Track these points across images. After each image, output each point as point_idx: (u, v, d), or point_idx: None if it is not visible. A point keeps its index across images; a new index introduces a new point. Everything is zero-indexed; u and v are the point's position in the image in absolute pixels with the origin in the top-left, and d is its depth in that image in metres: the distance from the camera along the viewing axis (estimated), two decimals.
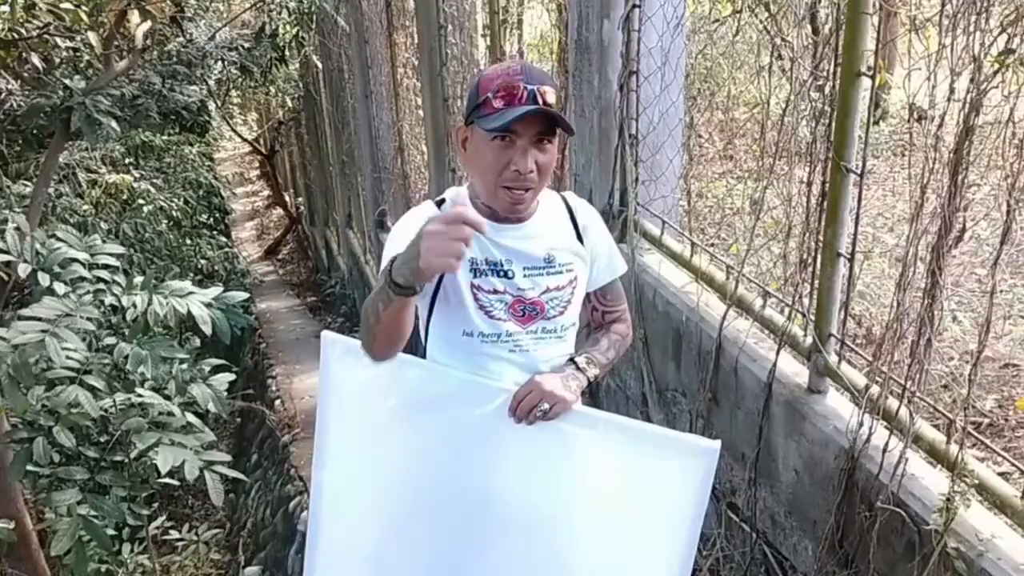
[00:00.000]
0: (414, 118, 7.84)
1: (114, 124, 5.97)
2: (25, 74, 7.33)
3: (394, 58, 8.17)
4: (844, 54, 2.44)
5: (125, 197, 8.72)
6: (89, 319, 3.89)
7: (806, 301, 2.84)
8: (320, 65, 12.25)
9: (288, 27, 10.26)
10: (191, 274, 10.18)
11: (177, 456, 3.95)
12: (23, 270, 3.89)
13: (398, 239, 1.85)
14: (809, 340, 2.79)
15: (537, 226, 1.95)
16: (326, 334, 2.11)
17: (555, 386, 1.90)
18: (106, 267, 4.28)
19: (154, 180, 9.09)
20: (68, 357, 3.67)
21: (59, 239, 4.17)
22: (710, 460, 1.90)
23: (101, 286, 4.19)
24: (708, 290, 3.37)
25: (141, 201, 8.52)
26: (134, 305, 3.94)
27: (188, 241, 10.08)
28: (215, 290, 4.25)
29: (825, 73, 2.64)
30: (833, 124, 2.56)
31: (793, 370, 2.89)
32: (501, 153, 1.79)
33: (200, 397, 4.19)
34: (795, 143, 2.83)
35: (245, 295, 4.31)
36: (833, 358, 2.72)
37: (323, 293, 12.99)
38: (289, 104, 16.41)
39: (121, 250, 4.38)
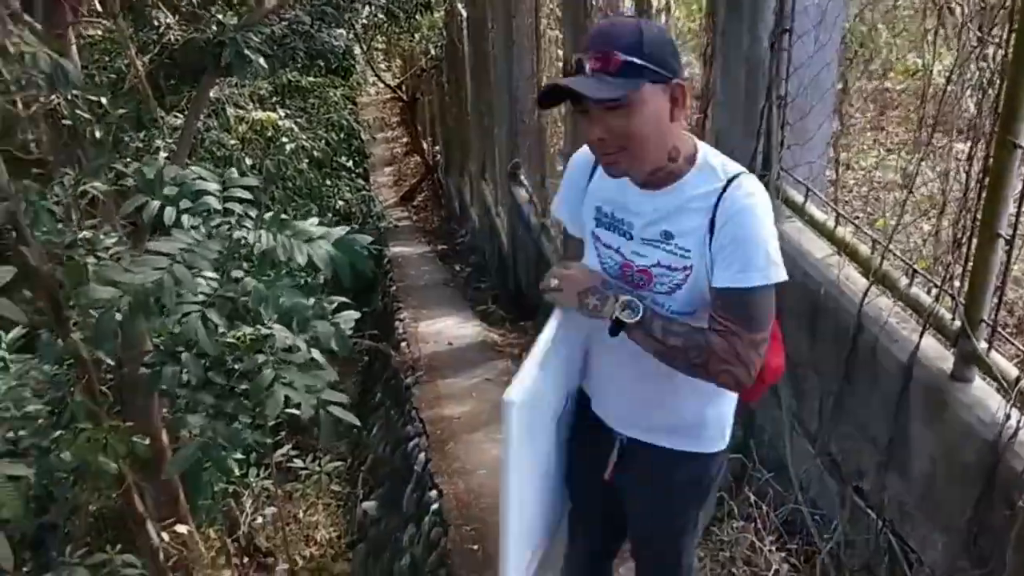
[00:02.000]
0: (555, 71, 7.75)
1: (262, 61, 6.08)
2: (183, 8, 7.59)
3: (538, 8, 8.07)
4: (1020, 17, 2.24)
5: (270, 134, 8.96)
6: (217, 252, 4.01)
7: (956, 283, 2.66)
8: (464, 13, 12.27)
9: None
10: (329, 214, 10.46)
11: (292, 397, 4.05)
12: (148, 211, 4.02)
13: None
14: (957, 324, 2.61)
15: (672, 200, 1.89)
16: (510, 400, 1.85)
17: (574, 279, 1.93)
18: (240, 200, 4.39)
19: (297, 119, 9.29)
20: (185, 293, 3.78)
21: (193, 171, 4.30)
22: (506, 411, 1.85)
23: (233, 219, 4.31)
24: (850, 264, 3.20)
25: (285, 139, 8.73)
26: (259, 240, 4.03)
27: (328, 182, 10.31)
28: (340, 230, 4.30)
29: (996, 39, 2.44)
30: (1002, 95, 2.37)
31: (937, 354, 2.72)
32: (582, 124, 1.81)
33: (323, 335, 4.27)
34: (958, 114, 2.63)
35: (369, 239, 4.35)
36: (982, 345, 2.54)
37: (454, 242, 13.13)
38: (432, 52, 16.54)
39: (255, 182, 4.47)
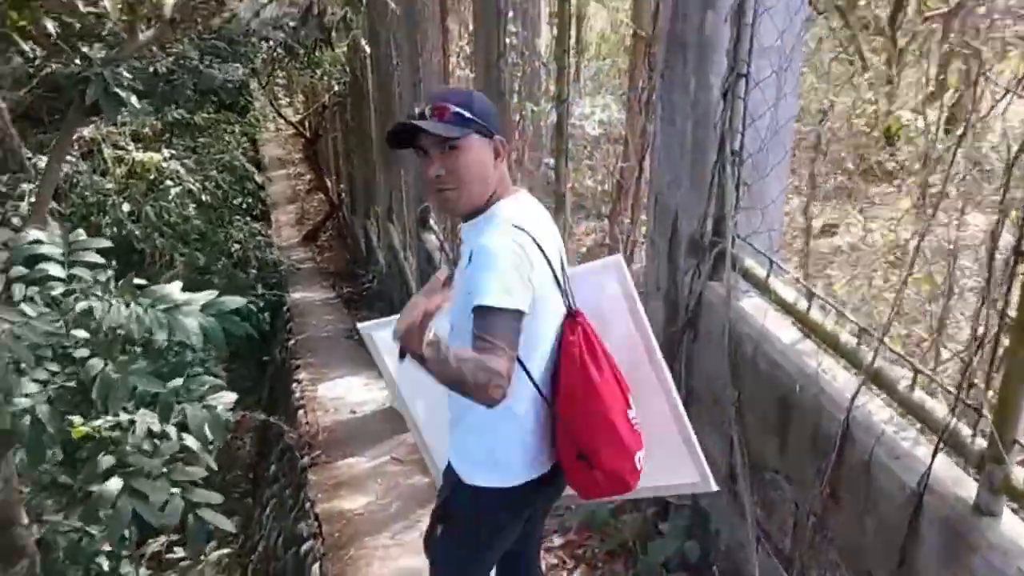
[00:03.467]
0: None
1: (135, 100, 5.33)
2: (46, 40, 6.80)
3: (446, 45, 7.50)
4: None
5: (152, 177, 8.18)
6: (53, 330, 3.30)
7: (980, 390, 2.15)
8: (368, 50, 11.66)
9: (336, 7, 9.66)
10: (223, 259, 9.66)
11: (142, 512, 3.36)
12: None
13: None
14: (981, 443, 2.09)
15: (469, 233, 2.23)
16: (363, 327, 2.69)
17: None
18: (91, 265, 3.68)
19: (185, 160, 8.51)
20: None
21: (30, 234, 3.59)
22: (619, 269, 2.44)
23: (79, 287, 3.60)
24: (831, 354, 2.68)
25: (169, 182, 7.95)
26: (108, 313, 3.33)
27: (220, 226, 9.53)
28: (206, 295, 3.63)
29: None
30: None
31: (953, 478, 2.19)
32: (423, 164, 2.16)
33: (193, 421, 3.57)
34: (973, 180, 2.13)
35: (242, 300, 3.70)
36: (1018, 472, 2.02)
37: (360, 286, 12.41)
38: (335, 88, 15.87)
39: (106, 244, 3.78)
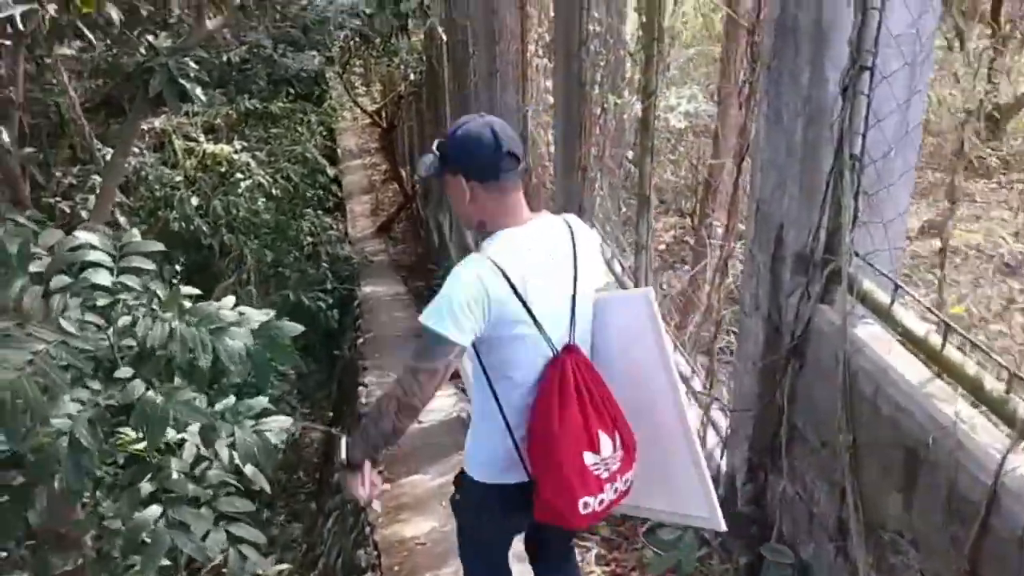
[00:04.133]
0: (542, 105, 6.83)
1: (199, 91, 5.09)
2: (112, 31, 6.64)
3: (525, 33, 7.14)
4: None
5: (224, 169, 8.00)
6: (94, 348, 3.05)
7: None
8: (445, 37, 11.38)
9: None
10: (294, 253, 9.48)
11: (181, 545, 3.09)
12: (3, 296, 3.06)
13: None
14: None
15: None
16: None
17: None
18: (140, 272, 3.42)
19: (257, 153, 8.32)
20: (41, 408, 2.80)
21: (78, 237, 3.34)
22: (647, 303, 2.46)
23: (128, 298, 3.33)
24: (971, 400, 2.25)
25: (239, 175, 7.75)
26: (150, 332, 3.06)
27: (292, 219, 9.35)
28: (260, 315, 3.33)
29: None
30: None
31: None
32: None
33: (242, 448, 3.29)
34: None
35: (299, 328, 3.39)
36: None
37: (432, 281, 12.16)
38: (411, 77, 15.67)
39: (159, 247, 3.51)
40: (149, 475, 3.44)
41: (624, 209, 5.29)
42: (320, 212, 9.60)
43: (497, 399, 2.41)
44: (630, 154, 5.22)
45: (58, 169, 7.11)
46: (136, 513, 3.20)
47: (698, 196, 6.40)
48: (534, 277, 2.30)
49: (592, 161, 5.22)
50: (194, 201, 7.15)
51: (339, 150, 21.97)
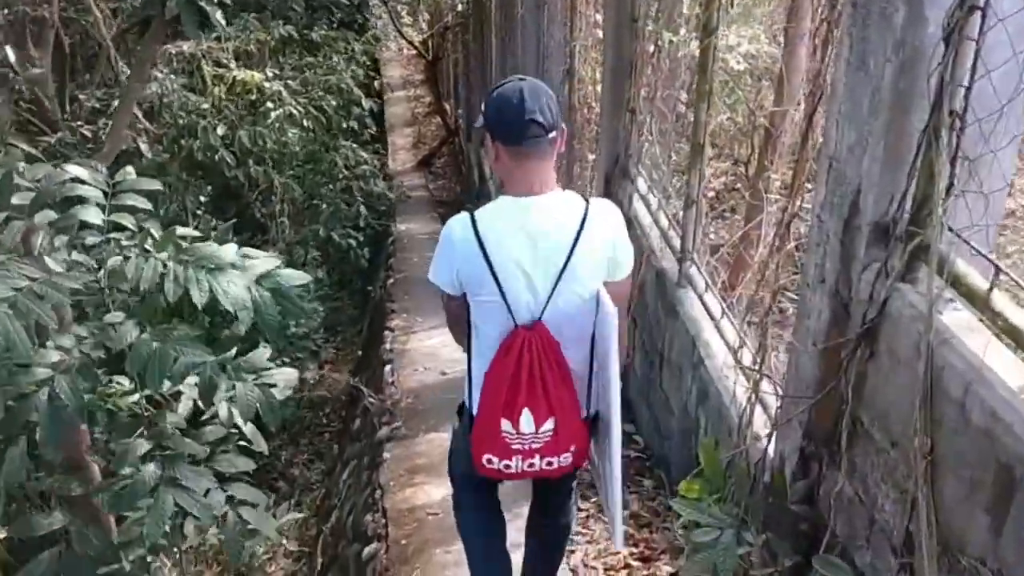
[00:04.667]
0: (591, 40, 6.37)
1: (219, 15, 4.72)
2: None
3: None
4: None
5: (254, 98, 7.65)
6: (82, 287, 2.74)
7: None
8: None
9: None
10: (328, 185, 9.15)
11: (185, 505, 2.82)
12: None
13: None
14: None
15: None
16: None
17: None
18: (135, 211, 3.11)
19: (289, 81, 7.95)
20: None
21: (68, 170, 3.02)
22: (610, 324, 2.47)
23: (122, 238, 3.03)
24: None
25: (270, 104, 7.40)
26: (143, 271, 2.74)
27: (326, 152, 9.00)
28: (266, 260, 3.01)
29: None
30: None
31: None
32: None
33: (241, 402, 3.00)
34: None
35: (306, 279, 3.08)
36: None
37: None
38: (458, 7, 15.20)
39: (156, 186, 3.19)
40: (141, 429, 3.17)
41: (674, 156, 4.88)
42: (355, 145, 9.22)
43: (470, 345, 2.65)
44: (684, 97, 4.80)
45: (83, 92, 6.81)
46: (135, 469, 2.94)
47: (754, 144, 5.96)
48: (514, 247, 2.42)
49: (642, 103, 4.80)
50: (220, 130, 6.81)
51: (383, 82, 21.51)
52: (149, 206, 3.20)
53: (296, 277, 3.06)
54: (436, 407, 5.00)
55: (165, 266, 2.82)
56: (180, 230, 3.19)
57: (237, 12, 8.78)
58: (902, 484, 2.37)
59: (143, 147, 6.30)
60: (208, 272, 2.84)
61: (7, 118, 4.78)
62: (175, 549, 3.54)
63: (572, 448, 2.61)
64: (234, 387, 3.02)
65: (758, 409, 3.33)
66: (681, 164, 4.71)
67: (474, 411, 2.63)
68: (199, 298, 2.75)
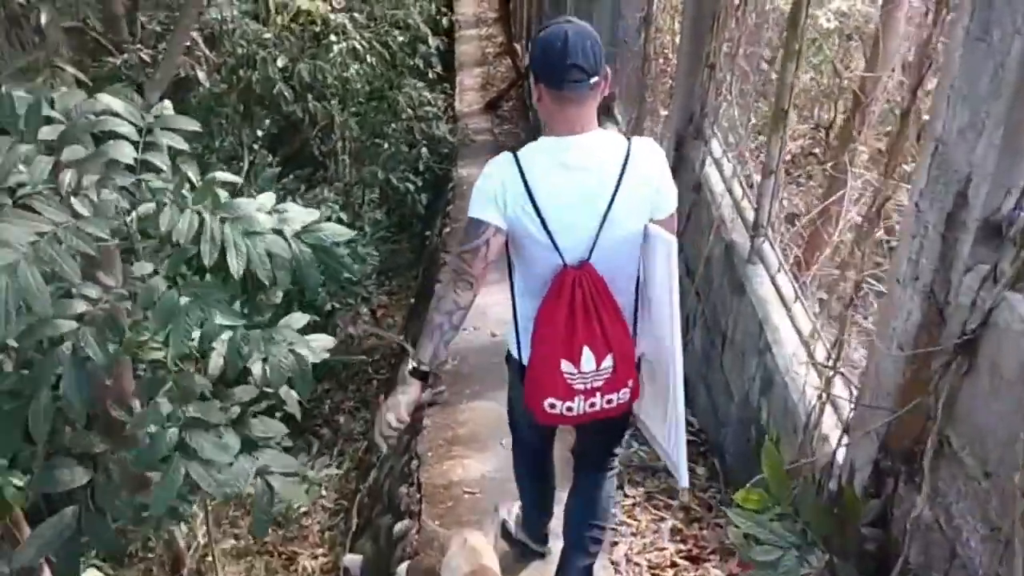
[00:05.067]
0: None
1: None
2: None
3: None
4: None
5: (318, 30, 7.39)
6: (108, 235, 2.53)
7: None
8: None
9: None
10: (392, 126, 8.89)
11: (199, 478, 2.62)
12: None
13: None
14: None
15: None
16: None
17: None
18: (173, 154, 2.89)
19: (355, 14, 7.67)
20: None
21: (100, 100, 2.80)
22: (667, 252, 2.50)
23: (152, 178, 2.81)
24: None
25: (333, 37, 7.14)
26: (174, 223, 2.53)
27: (389, 90, 8.73)
28: (306, 213, 2.78)
29: None
30: None
31: None
32: None
33: (274, 370, 2.79)
34: None
35: (350, 233, 2.86)
36: None
37: None
38: None
39: (195, 126, 2.96)
40: (169, 385, 2.97)
41: (752, 119, 4.52)
42: (420, 84, 8.93)
43: (512, 283, 2.68)
44: (768, 54, 4.43)
45: (146, 14, 6.60)
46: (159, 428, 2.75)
47: (836, 110, 5.55)
48: (559, 184, 2.43)
49: (723, 59, 4.44)
50: (280, 62, 6.57)
51: (454, 18, 21.10)
52: (186, 146, 2.98)
53: (340, 232, 2.82)
54: (482, 371, 4.77)
55: (202, 221, 2.60)
56: (220, 176, 2.98)
57: None
58: (994, 521, 2.08)
59: (201, 76, 6.09)
60: (247, 236, 2.61)
61: (58, 39, 4.57)
62: (197, 510, 3.38)
63: (629, 383, 2.64)
64: (265, 351, 2.82)
65: (828, 409, 3.04)
66: (760, 128, 4.36)
67: (524, 357, 2.65)
68: (236, 266, 2.53)
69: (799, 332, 3.49)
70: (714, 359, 4.34)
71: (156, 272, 2.65)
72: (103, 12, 5.70)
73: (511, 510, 3.52)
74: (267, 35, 6.86)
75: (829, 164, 4.82)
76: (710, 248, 4.33)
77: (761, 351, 3.64)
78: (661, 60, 6.48)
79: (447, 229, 8.36)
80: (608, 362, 2.55)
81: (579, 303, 2.48)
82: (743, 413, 3.86)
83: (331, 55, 6.98)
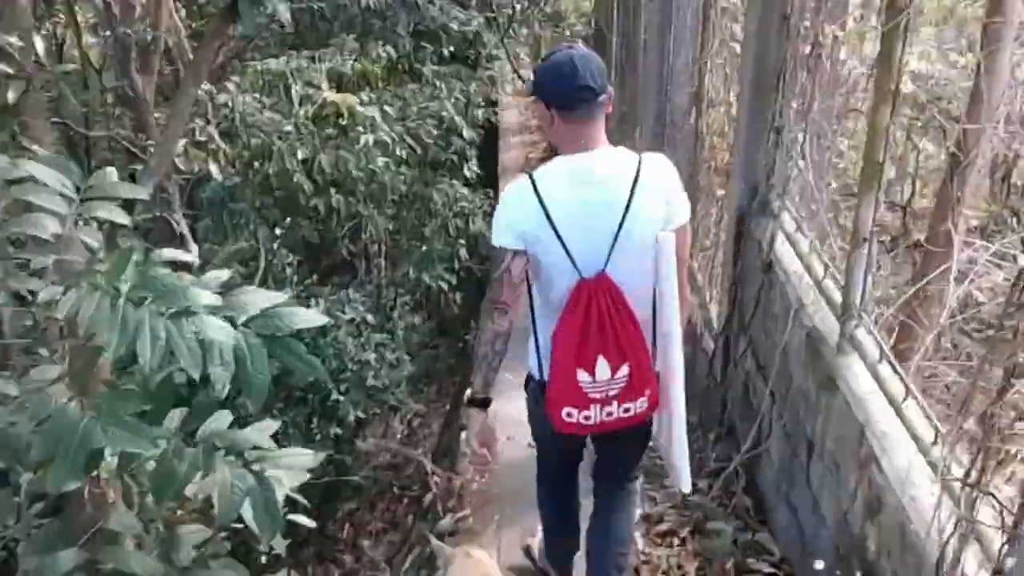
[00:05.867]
0: (726, 53, 5.40)
1: (283, 8, 4.00)
2: None
3: None
4: None
5: (345, 123, 6.93)
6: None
7: None
8: None
9: None
10: (431, 222, 8.33)
11: None
12: None
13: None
14: None
15: None
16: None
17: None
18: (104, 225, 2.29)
19: (387, 107, 7.21)
20: None
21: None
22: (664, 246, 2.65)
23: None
24: None
25: (360, 129, 6.66)
26: (76, 312, 1.88)
27: (424, 186, 8.21)
28: (266, 296, 2.10)
29: None
30: None
31: None
32: None
33: (223, 497, 2.09)
34: None
35: (321, 320, 2.19)
36: None
37: None
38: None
39: (141, 194, 2.41)
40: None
41: (832, 184, 3.84)
42: (454, 181, 8.41)
43: (531, 302, 2.74)
44: (846, 103, 3.78)
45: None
46: None
47: (916, 180, 4.88)
48: (574, 199, 2.54)
49: (792, 117, 3.79)
50: (300, 154, 6.07)
51: (499, 125, 20.99)
52: (125, 219, 2.38)
53: (304, 318, 2.15)
54: (515, 492, 4.00)
55: (112, 303, 1.95)
56: (167, 253, 2.37)
57: (336, 32, 8.18)
58: None
59: (214, 170, 5.61)
60: (174, 317, 1.95)
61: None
62: None
63: (647, 392, 2.73)
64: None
65: (973, 547, 2.26)
66: (842, 192, 3.69)
67: (545, 374, 2.74)
68: (147, 356, 1.86)
69: (916, 438, 2.72)
70: (797, 472, 3.56)
71: (60, 379, 2.01)
72: (135, 121, 5.32)
73: (535, 536, 3.61)
74: (288, 127, 6.41)
75: (921, 237, 4.12)
76: (787, 338, 3.60)
77: (863, 462, 2.87)
78: (714, 137, 5.89)
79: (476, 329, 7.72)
80: (623, 371, 2.64)
81: (594, 314, 2.57)
82: (842, 540, 3.06)
83: (357, 147, 6.48)
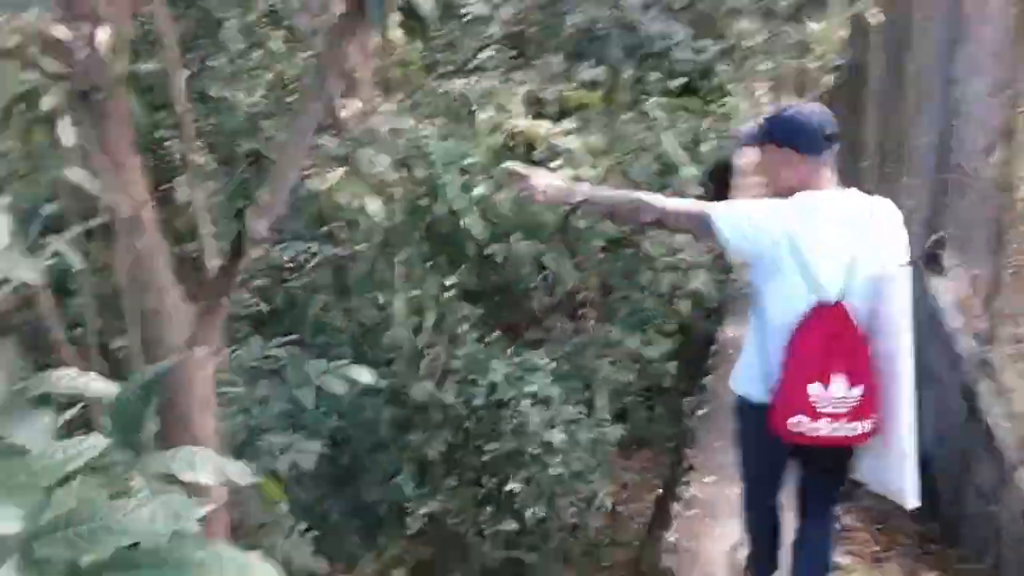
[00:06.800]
0: None
1: (428, 7, 2.98)
2: None
3: None
4: None
5: (538, 156, 5.86)
6: None
7: None
8: (874, 20, 8.50)
9: None
10: (639, 272, 7.12)
11: None
12: None
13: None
14: None
15: None
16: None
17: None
18: None
19: (590, 138, 6.08)
20: None
21: None
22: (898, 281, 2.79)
23: None
24: None
25: (553, 165, 5.56)
26: None
27: (632, 234, 7.01)
28: None
29: None
30: None
31: None
32: None
33: None
34: None
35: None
36: None
37: None
38: (826, 78, 12.99)
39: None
40: None
41: None
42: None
43: (755, 332, 2.92)
44: None
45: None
46: None
47: None
48: (818, 230, 2.76)
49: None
50: (478, 190, 5.01)
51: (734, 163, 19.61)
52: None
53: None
54: None
55: None
56: None
57: (540, 52, 7.13)
58: None
59: (371, 208, 4.62)
60: None
61: None
62: None
63: (873, 416, 2.77)
64: None
65: None
66: None
67: (765, 393, 2.82)
68: None
69: None
70: None
71: None
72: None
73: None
74: (471, 160, 5.36)
75: None
76: None
77: None
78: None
79: (700, 411, 6.33)
80: (857, 391, 2.72)
81: (833, 335, 2.71)
82: None
83: None
